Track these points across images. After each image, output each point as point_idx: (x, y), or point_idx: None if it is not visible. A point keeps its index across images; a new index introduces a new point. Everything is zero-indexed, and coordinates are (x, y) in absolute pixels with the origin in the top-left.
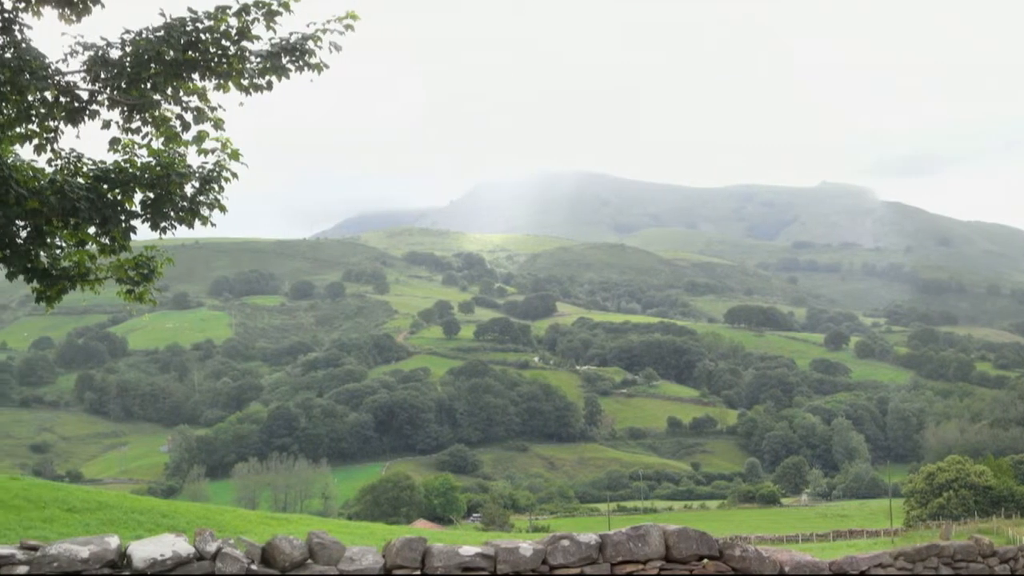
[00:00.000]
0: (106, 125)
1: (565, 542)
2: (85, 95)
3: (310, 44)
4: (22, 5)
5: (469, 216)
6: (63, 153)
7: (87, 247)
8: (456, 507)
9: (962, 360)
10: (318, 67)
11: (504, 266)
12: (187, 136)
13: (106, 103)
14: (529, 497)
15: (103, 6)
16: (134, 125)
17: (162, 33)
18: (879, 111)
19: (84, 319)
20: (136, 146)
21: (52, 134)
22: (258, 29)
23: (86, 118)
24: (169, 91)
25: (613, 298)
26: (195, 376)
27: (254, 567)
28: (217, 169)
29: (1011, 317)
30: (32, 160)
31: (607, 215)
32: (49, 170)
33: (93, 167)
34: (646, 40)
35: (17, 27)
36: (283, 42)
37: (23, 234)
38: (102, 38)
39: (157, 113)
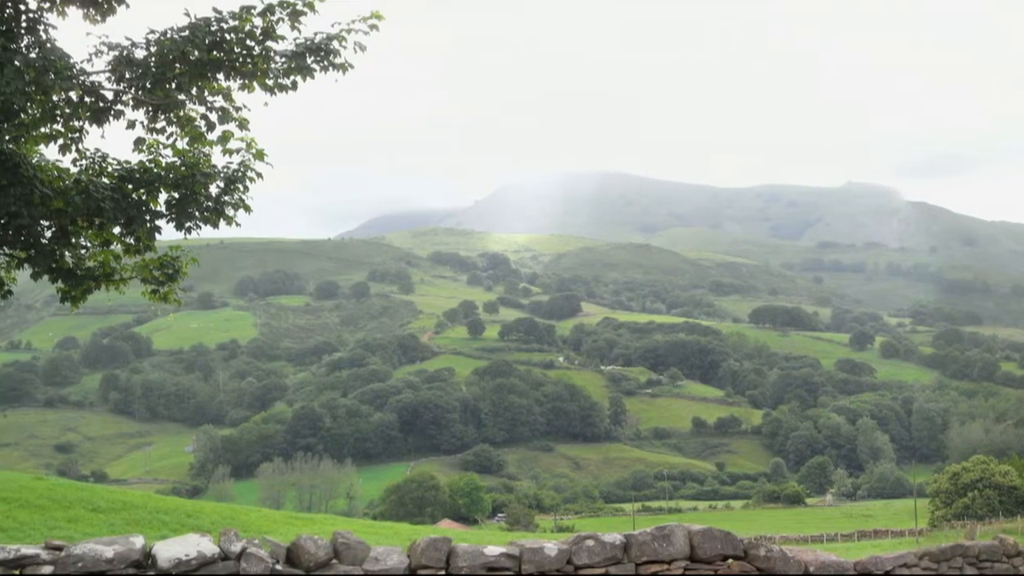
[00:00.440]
0: (131, 125)
1: (590, 542)
2: (110, 95)
3: (335, 44)
4: (47, 5)
5: (494, 216)
6: (88, 153)
7: (112, 247)
8: (481, 507)
9: (987, 360)
10: (343, 67)
11: (529, 266)
12: (212, 136)
13: (131, 103)
14: (554, 497)
15: (128, 6)
16: (159, 125)
17: (187, 33)
18: (905, 111)
19: (109, 319)
20: (161, 146)
21: (77, 134)
22: (283, 29)
23: (111, 118)
24: (194, 91)
25: (638, 298)
26: (220, 376)
27: (279, 567)
28: (242, 169)
29: None
30: (57, 160)
31: (632, 215)
32: (74, 170)
33: (118, 167)
34: (672, 40)
35: (42, 27)
36: (308, 42)
37: (48, 234)
38: (127, 38)
39: (182, 113)
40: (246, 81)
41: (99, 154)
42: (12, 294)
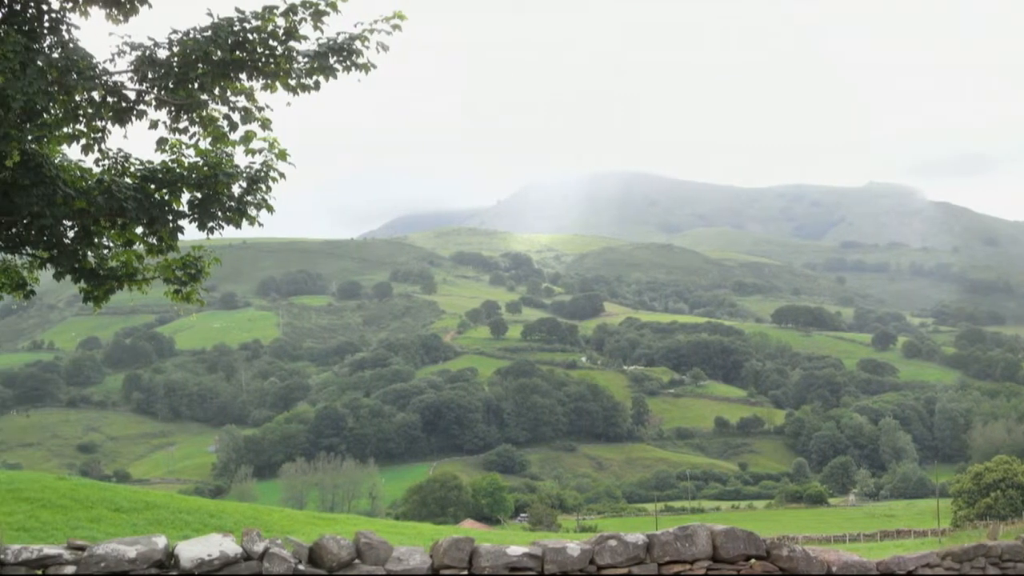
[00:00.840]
0: (153, 125)
1: (612, 542)
2: (132, 95)
3: (357, 44)
4: (69, 5)
5: (516, 216)
6: (110, 153)
7: (134, 247)
8: (503, 507)
9: (1009, 360)
10: (366, 67)
11: (551, 266)
12: (234, 136)
13: (153, 103)
14: (576, 497)
15: (150, 6)
16: (181, 125)
17: (209, 33)
18: (927, 111)
19: (131, 319)
20: (183, 146)
21: (99, 134)
22: (305, 29)
23: (133, 118)
24: (216, 91)
25: (660, 298)
26: (242, 376)
27: (301, 567)
28: (264, 169)
29: None
30: (79, 160)
31: (654, 215)
32: (96, 170)
33: (140, 167)
34: (696, 41)
35: (64, 27)
36: (330, 42)
37: (70, 234)
38: (149, 38)
39: (204, 113)
40: (269, 81)
41: (121, 154)
42: (35, 294)
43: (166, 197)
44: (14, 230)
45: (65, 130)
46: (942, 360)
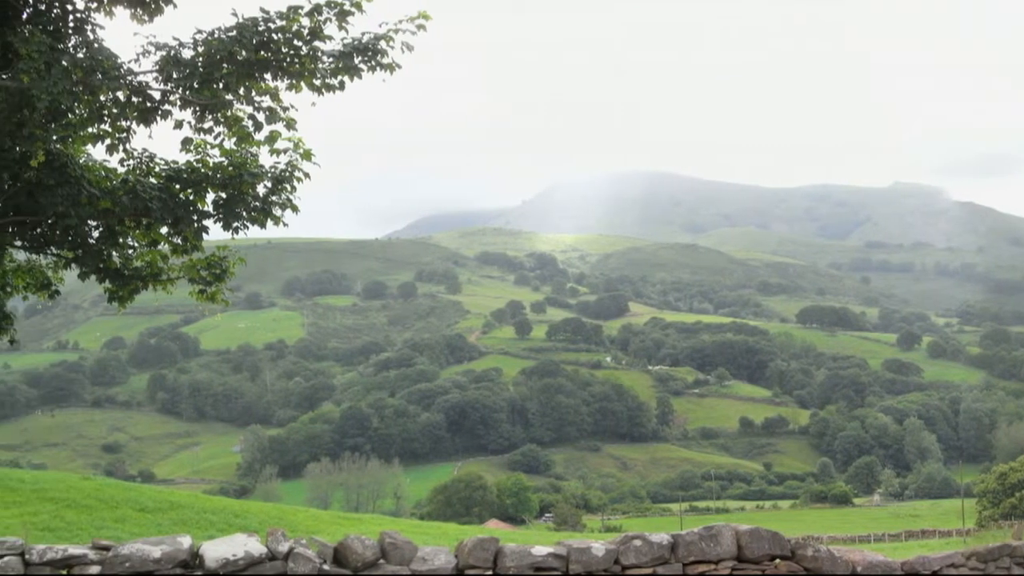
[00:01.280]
0: (178, 125)
1: (637, 542)
2: (157, 95)
3: (382, 44)
4: (94, 5)
5: (541, 216)
6: (135, 153)
7: (159, 247)
8: (528, 507)
9: None
10: (390, 67)
11: (576, 266)
12: (259, 136)
13: (178, 103)
14: (601, 497)
15: (175, 6)
16: (206, 125)
17: (234, 33)
18: (953, 111)
19: (156, 319)
20: (208, 146)
21: (124, 134)
22: (330, 29)
23: (158, 118)
24: (241, 91)
25: (685, 298)
26: (267, 376)
27: (326, 567)
28: (289, 169)
29: None
30: (104, 160)
31: (679, 215)
32: (121, 170)
33: (165, 167)
34: (720, 41)
35: (89, 27)
36: (355, 42)
37: (95, 234)
38: (174, 38)
39: (229, 113)
40: (293, 81)
41: (146, 154)
42: (60, 294)
43: (191, 197)
44: (39, 230)
45: (90, 130)
46: (967, 360)
